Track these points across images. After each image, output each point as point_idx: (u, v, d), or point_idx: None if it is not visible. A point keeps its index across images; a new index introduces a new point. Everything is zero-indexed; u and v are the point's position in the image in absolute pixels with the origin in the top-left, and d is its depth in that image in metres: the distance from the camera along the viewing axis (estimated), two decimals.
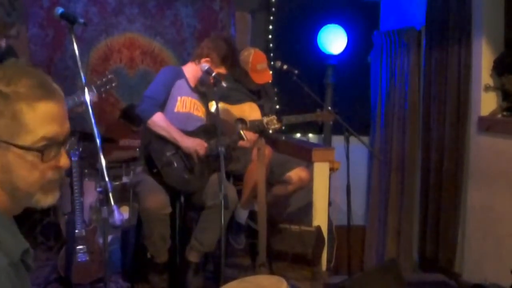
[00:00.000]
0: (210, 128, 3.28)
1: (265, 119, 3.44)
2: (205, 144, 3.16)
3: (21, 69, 1.12)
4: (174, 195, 3.21)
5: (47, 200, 1.15)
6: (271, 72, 3.88)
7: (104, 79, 2.95)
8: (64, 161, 1.15)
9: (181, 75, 3.32)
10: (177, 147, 3.13)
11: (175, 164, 3.12)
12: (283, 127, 3.52)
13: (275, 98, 4.50)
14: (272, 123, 3.44)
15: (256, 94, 3.86)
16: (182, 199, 3.27)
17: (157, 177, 3.12)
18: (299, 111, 3.78)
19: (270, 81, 3.87)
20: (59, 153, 1.14)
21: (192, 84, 3.32)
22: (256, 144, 3.46)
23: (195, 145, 3.13)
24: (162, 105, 3.20)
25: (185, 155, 3.14)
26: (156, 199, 3.01)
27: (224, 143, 2.97)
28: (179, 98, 3.26)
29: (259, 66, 3.72)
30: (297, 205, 4.06)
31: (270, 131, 3.49)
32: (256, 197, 3.45)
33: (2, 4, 2.51)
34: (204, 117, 3.36)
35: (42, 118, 1.09)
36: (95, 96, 2.91)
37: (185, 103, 3.28)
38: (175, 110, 3.24)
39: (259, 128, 3.41)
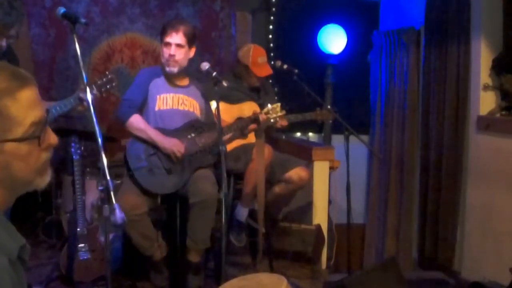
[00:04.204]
0: (197, 124, 3.30)
1: (268, 107, 3.47)
2: (183, 144, 3.17)
3: None
4: (172, 196, 3.23)
5: (45, 181, 1.18)
6: None
7: (104, 79, 2.96)
8: (53, 138, 1.18)
9: (158, 73, 3.32)
10: (156, 148, 3.16)
11: (150, 166, 3.14)
12: (286, 117, 3.56)
13: (275, 97, 4.52)
14: (275, 111, 3.48)
15: (256, 92, 3.88)
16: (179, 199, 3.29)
17: (132, 178, 3.14)
18: (299, 110, 3.81)
19: (271, 73, 3.89)
20: (46, 133, 1.16)
21: (171, 74, 3.27)
22: (256, 143, 3.49)
23: (172, 145, 3.15)
24: (140, 107, 3.24)
25: (164, 156, 3.16)
26: (127, 201, 2.98)
27: (222, 141, 2.98)
28: (157, 96, 3.27)
29: (260, 59, 3.75)
30: (297, 204, 4.08)
31: (272, 120, 3.50)
32: (256, 196, 3.48)
33: (2, 5, 2.50)
34: (194, 111, 3.35)
35: (26, 106, 1.11)
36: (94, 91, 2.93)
37: (166, 101, 3.28)
38: (156, 108, 3.26)
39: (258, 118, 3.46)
